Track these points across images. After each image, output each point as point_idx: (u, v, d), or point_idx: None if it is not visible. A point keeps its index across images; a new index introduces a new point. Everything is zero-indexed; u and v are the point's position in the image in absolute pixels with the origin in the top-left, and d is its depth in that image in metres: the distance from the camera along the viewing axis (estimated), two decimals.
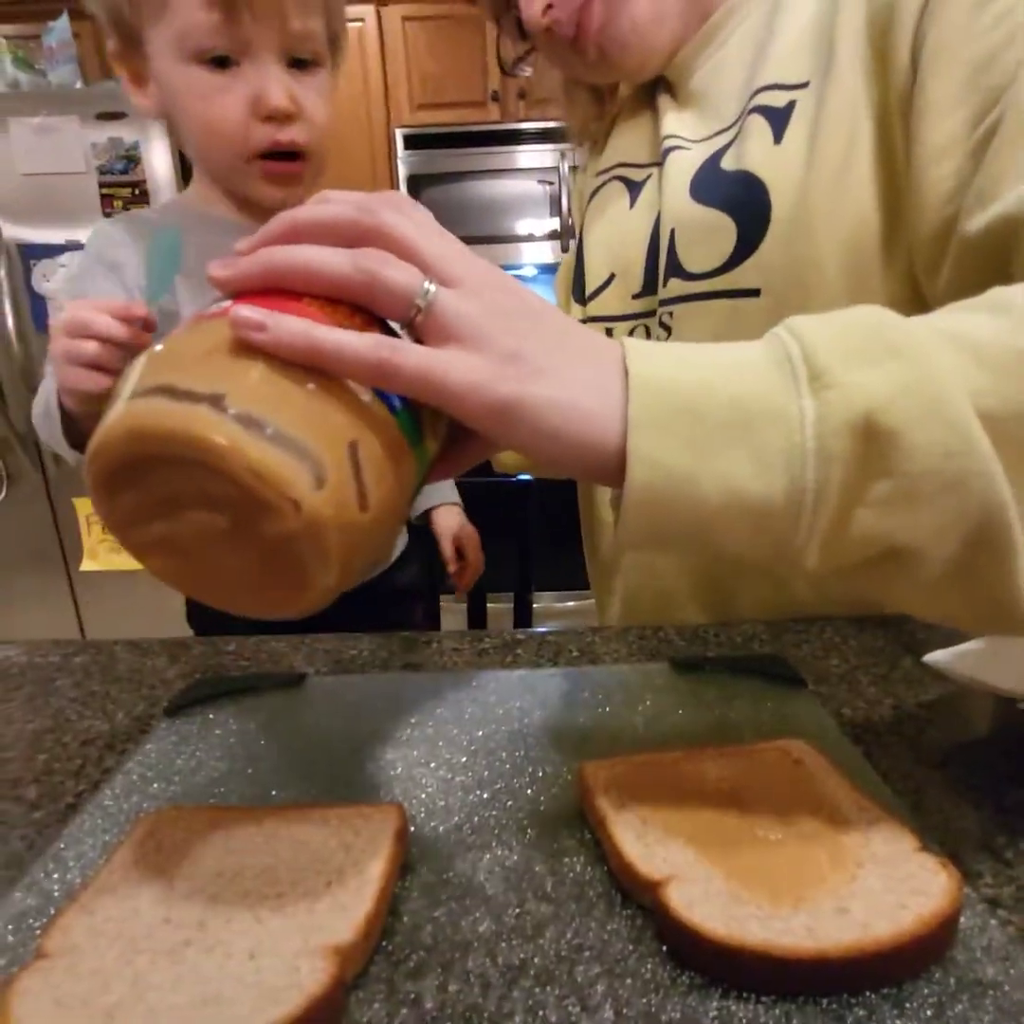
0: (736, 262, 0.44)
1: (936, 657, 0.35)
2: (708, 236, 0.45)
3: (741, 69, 0.47)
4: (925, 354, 0.22)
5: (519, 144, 2.12)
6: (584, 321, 0.59)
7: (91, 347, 0.43)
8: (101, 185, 1.70)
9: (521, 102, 2.15)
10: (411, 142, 2.13)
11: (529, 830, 0.28)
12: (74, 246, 1.74)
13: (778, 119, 0.42)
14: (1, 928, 0.24)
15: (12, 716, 0.40)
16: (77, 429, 0.50)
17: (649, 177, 0.54)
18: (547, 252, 2.26)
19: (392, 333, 0.24)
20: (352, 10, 2.11)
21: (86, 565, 2.18)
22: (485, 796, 0.30)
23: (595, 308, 0.58)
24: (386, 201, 0.25)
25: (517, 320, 0.24)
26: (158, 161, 1.70)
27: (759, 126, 0.43)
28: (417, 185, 2.16)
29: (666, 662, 0.41)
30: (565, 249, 2.23)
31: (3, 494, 1.94)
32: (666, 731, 0.35)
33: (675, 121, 0.51)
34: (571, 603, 2.01)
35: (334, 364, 0.22)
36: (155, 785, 0.32)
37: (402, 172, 2.15)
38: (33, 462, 1.91)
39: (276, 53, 0.53)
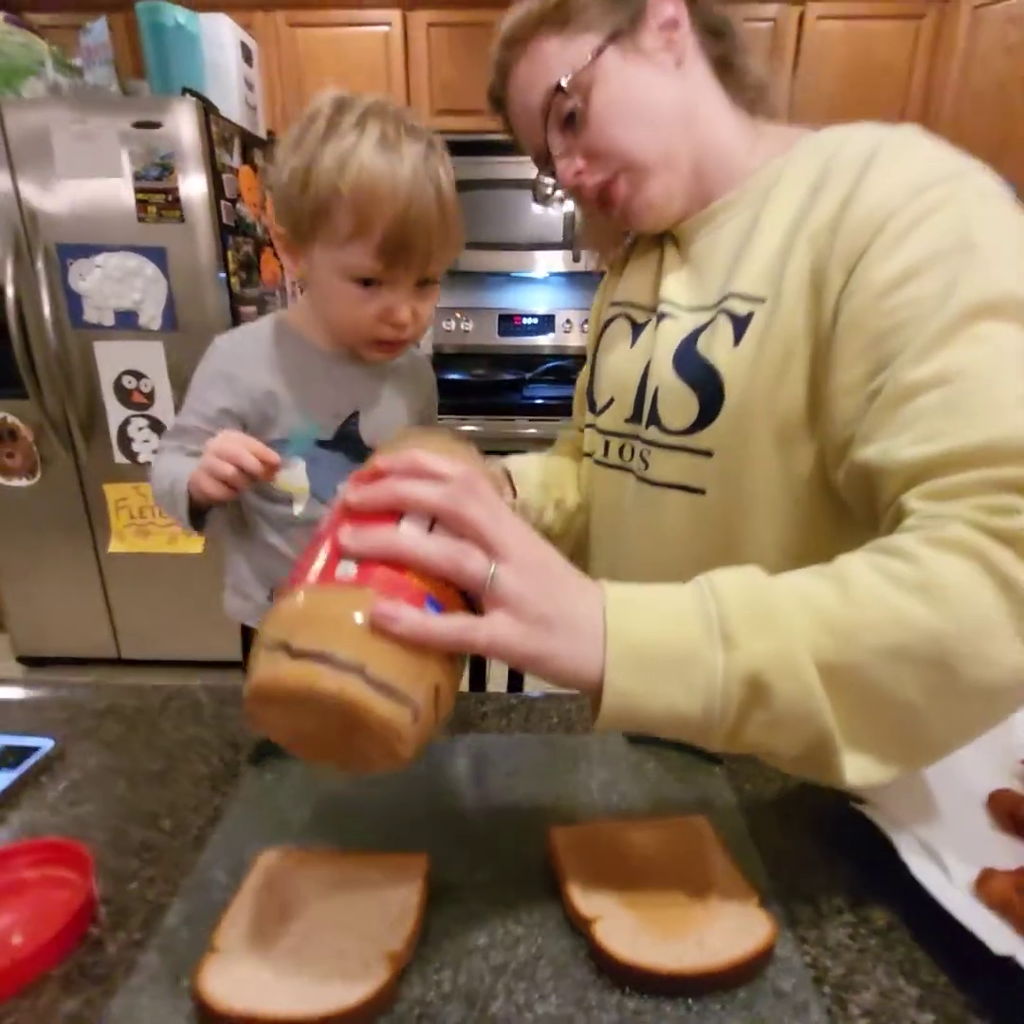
0: (696, 429, 0.57)
1: None
2: (679, 403, 0.58)
3: (725, 259, 0.58)
4: (788, 622, 0.35)
5: None
6: (590, 426, 0.71)
7: (229, 470, 0.58)
8: (137, 191, 1.79)
9: None
10: None
11: (513, 873, 0.42)
12: (109, 247, 1.83)
13: (740, 325, 0.54)
14: (180, 928, 0.38)
15: (137, 756, 0.54)
16: (194, 506, 0.66)
17: (648, 322, 0.65)
18: (558, 260, 2.35)
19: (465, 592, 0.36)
20: (379, 15, 2.16)
21: (114, 546, 2.35)
22: (486, 847, 0.44)
23: (602, 422, 0.70)
24: (465, 488, 0.35)
25: (545, 586, 0.36)
26: (191, 171, 1.77)
27: (725, 327, 0.55)
28: None
29: (622, 735, 0.55)
30: (576, 258, 2.31)
31: (38, 477, 2.06)
32: (613, 799, 0.49)
33: (673, 283, 0.62)
34: None
35: (437, 643, 0.33)
36: (256, 825, 0.46)
37: None
38: (65, 447, 2.03)
39: (412, 283, 0.65)
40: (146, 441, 2.01)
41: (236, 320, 1.97)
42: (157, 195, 1.79)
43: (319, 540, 0.36)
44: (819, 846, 0.45)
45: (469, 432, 2.17)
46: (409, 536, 0.34)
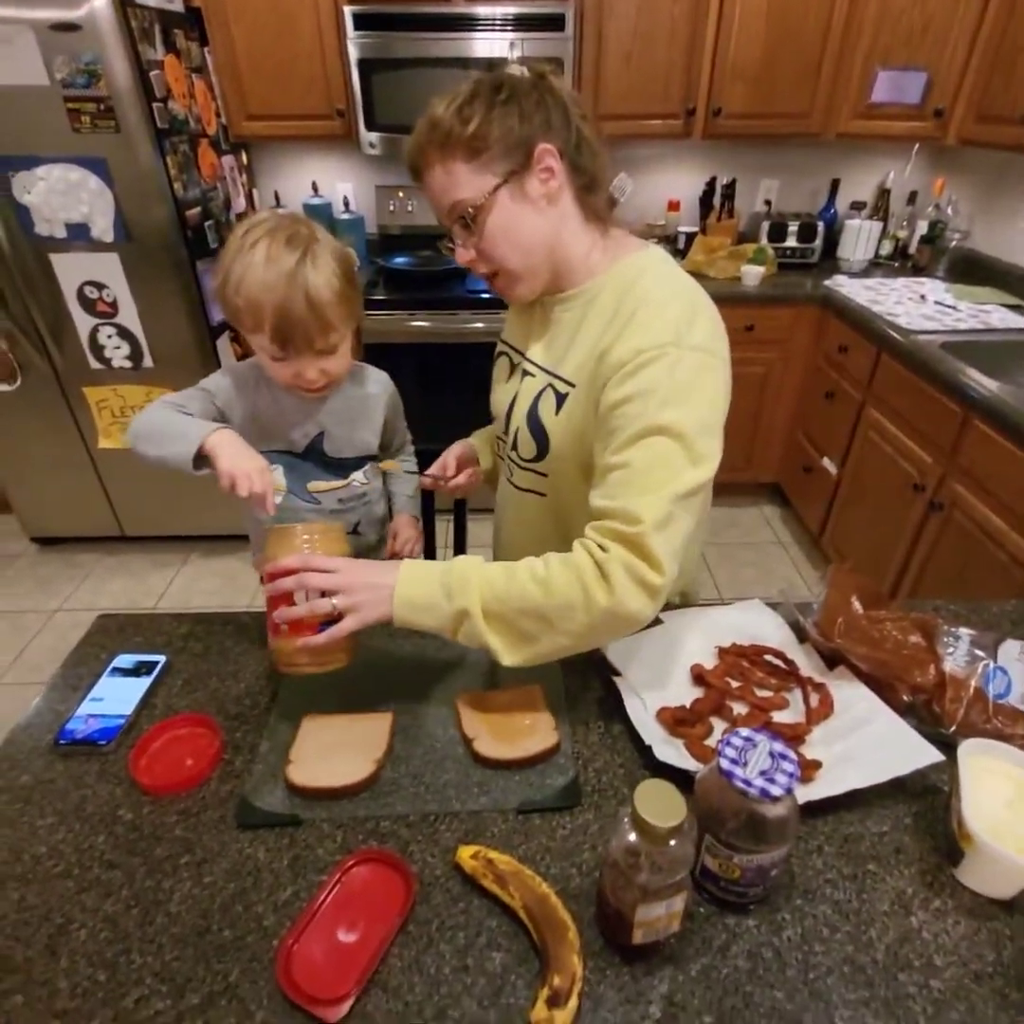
0: (536, 461, 0.89)
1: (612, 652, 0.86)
2: (526, 443, 0.89)
3: (564, 340, 0.85)
4: (475, 589, 0.72)
5: (473, 31, 2.14)
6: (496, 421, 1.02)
7: (246, 490, 0.82)
8: (66, 99, 1.78)
9: None
10: (361, 22, 2.12)
11: (436, 719, 0.81)
12: (48, 159, 1.86)
13: (560, 399, 0.83)
14: (269, 753, 0.77)
15: (217, 662, 0.90)
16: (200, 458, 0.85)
17: (519, 366, 0.93)
18: None
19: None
20: None
21: (103, 443, 2.68)
22: (422, 706, 0.83)
23: (493, 429, 1.00)
24: (307, 572, 0.72)
25: (359, 586, 0.72)
26: (119, 77, 1.76)
27: (551, 398, 0.84)
28: (369, 70, 2.19)
29: None
30: None
31: (19, 382, 2.23)
32: (493, 678, 0.87)
33: (536, 347, 0.90)
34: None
35: (334, 643, 0.72)
36: (299, 700, 0.84)
37: (353, 54, 2.16)
38: (40, 353, 2.18)
39: (311, 355, 0.90)
40: (118, 347, 2.17)
41: (185, 226, 2.05)
42: (88, 104, 1.79)
43: (269, 612, 0.76)
44: (595, 696, 0.85)
45: (417, 327, 2.35)
46: (298, 608, 0.73)
